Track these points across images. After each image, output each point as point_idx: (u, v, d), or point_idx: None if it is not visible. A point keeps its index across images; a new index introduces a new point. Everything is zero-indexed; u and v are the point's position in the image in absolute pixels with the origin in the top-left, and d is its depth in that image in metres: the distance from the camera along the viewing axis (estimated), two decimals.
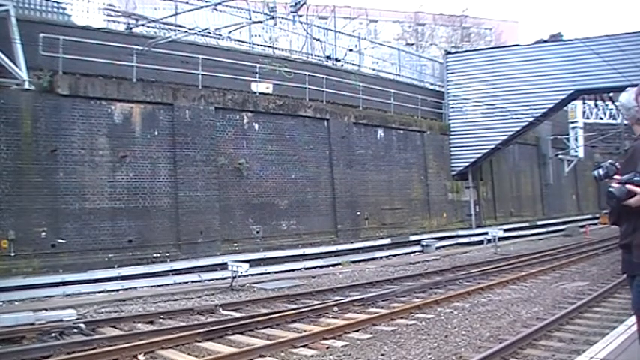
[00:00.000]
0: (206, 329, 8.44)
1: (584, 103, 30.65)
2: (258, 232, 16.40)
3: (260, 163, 16.75)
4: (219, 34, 16.09)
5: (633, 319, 5.80)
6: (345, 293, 12.06)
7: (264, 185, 16.80)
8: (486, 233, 21.72)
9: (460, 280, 13.63)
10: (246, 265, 13.27)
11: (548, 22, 76.79)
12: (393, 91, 21.74)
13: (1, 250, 11.86)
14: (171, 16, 16.76)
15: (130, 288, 12.79)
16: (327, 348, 7.62)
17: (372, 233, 19.75)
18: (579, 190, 34.97)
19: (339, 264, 17.15)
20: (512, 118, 21.93)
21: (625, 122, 25.90)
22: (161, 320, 9.72)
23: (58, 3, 14.75)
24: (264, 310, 10.32)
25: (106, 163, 13.68)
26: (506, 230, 22.79)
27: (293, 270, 15.82)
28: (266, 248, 16.21)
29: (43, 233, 12.52)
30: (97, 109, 13.68)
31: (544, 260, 17.09)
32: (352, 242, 18.59)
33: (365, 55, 24.16)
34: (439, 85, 25.29)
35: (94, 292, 12.18)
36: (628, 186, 3.10)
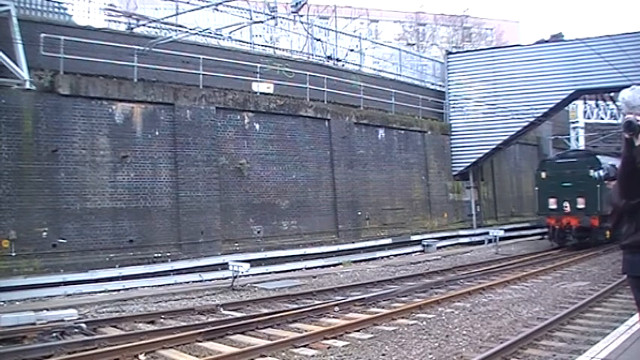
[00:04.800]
0: (207, 329, 8.45)
1: (585, 103, 30.60)
2: (259, 232, 16.40)
3: (261, 163, 16.76)
4: (220, 34, 16.08)
5: (634, 319, 5.81)
6: (346, 293, 12.06)
7: (265, 185, 16.80)
8: (487, 233, 21.69)
9: (461, 280, 13.62)
10: (247, 265, 13.28)
11: (549, 22, 76.73)
12: (394, 91, 21.73)
13: (2, 250, 11.87)
14: (172, 16, 16.76)
15: (131, 288, 12.79)
16: (328, 348, 7.62)
17: (373, 233, 19.74)
18: None
19: (340, 264, 17.13)
20: (513, 118, 21.92)
21: None
22: (162, 320, 9.72)
23: (59, 3, 14.76)
24: (265, 310, 10.31)
25: (107, 163, 13.69)
26: (507, 230, 22.77)
27: (294, 270, 15.80)
28: (267, 248, 16.21)
29: (44, 233, 12.54)
30: (98, 109, 13.69)
31: (545, 260, 17.08)
32: (353, 242, 18.58)
33: (366, 55, 24.15)
34: (440, 85, 25.28)
35: (95, 292, 12.17)
36: None
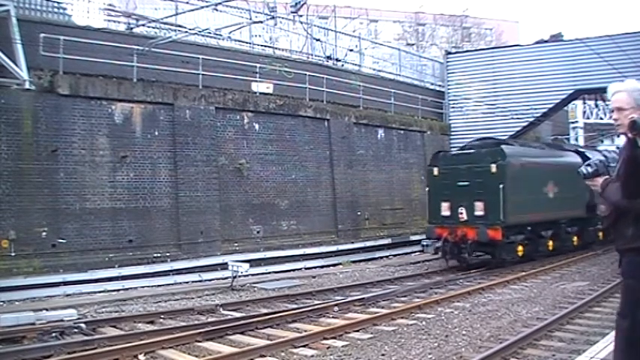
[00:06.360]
0: (206, 329, 8.44)
1: (584, 103, 30.65)
2: (258, 232, 16.40)
3: (260, 163, 16.75)
4: (220, 34, 16.09)
5: None
6: (345, 293, 12.05)
7: (265, 185, 16.80)
8: None
9: (460, 280, 13.62)
10: (247, 265, 13.27)
11: (549, 22, 76.80)
12: (393, 91, 21.73)
13: (2, 250, 11.87)
14: (171, 16, 16.77)
15: (131, 288, 12.78)
16: (328, 348, 7.62)
17: (372, 233, 19.74)
18: None
19: (340, 264, 17.13)
20: (512, 118, 21.93)
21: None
22: (162, 320, 9.72)
23: (58, 3, 14.76)
24: (265, 310, 10.31)
25: (107, 163, 13.69)
26: None
27: (293, 270, 15.79)
28: (266, 248, 16.21)
29: (44, 233, 12.53)
30: (98, 109, 13.68)
31: (544, 260, 17.05)
32: (353, 242, 18.58)
33: (365, 55, 24.16)
34: (439, 85, 25.30)
35: (95, 292, 12.17)
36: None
